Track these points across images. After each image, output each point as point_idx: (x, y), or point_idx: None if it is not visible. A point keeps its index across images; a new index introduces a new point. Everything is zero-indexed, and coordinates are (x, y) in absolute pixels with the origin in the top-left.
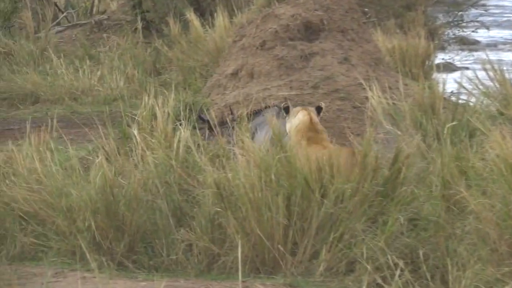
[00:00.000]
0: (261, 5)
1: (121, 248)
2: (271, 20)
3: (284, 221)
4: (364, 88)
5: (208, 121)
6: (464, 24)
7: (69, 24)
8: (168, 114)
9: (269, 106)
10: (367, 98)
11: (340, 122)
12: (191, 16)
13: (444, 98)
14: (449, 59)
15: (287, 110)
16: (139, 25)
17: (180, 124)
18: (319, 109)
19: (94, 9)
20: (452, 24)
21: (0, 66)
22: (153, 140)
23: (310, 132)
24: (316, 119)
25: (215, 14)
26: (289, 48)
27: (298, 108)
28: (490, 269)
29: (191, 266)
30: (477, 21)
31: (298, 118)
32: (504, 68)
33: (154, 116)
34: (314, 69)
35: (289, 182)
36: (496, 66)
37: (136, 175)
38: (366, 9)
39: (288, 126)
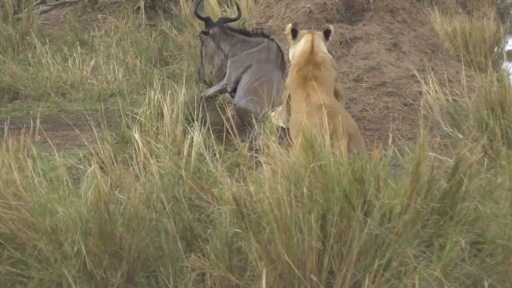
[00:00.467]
0: None
1: (118, 278)
2: None
3: (318, 244)
4: (417, 81)
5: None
6: None
7: (56, 3)
8: (177, 113)
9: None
10: (421, 93)
11: (388, 122)
12: None
13: None
14: None
15: (295, 33)
16: (142, 3)
17: (192, 126)
18: (327, 33)
19: None
20: None
21: None
22: (158, 145)
23: (306, 67)
24: (320, 46)
25: None
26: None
27: (304, 31)
28: None
29: None
30: None
31: (300, 44)
32: None
33: (160, 115)
34: (356, 58)
35: (325, 197)
36: None
37: (137, 188)
38: None
39: (291, 53)
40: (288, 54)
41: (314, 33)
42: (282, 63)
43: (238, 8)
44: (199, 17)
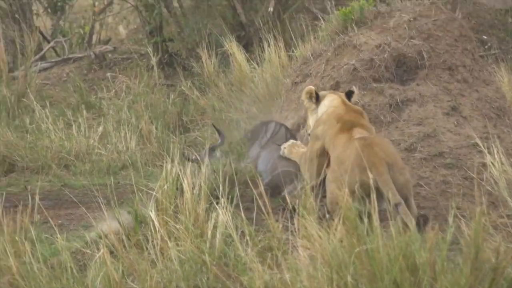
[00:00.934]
0: (333, 31)
1: None
2: (347, 53)
3: None
4: (480, 151)
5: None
6: None
7: (58, 59)
8: (200, 188)
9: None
10: (484, 165)
11: (446, 199)
12: (232, 47)
13: None
14: None
15: (317, 96)
16: (158, 59)
17: (217, 203)
18: (349, 94)
19: (94, 37)
20: None
21: None
22: (178, 226)
23: (348, 114)
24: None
25: (266, 44)
26: (373, 93)
27: (324, 92)
28: None
29: None
30: None
31: (323, 105)
32: None
33: (179, 191)
34: (409, 123)
35: (372, 287)
36: None
37: (154, 276)
38: (484, 37)
39: (312, 120)
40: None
41: (337, 92)
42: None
43: (219, 132)
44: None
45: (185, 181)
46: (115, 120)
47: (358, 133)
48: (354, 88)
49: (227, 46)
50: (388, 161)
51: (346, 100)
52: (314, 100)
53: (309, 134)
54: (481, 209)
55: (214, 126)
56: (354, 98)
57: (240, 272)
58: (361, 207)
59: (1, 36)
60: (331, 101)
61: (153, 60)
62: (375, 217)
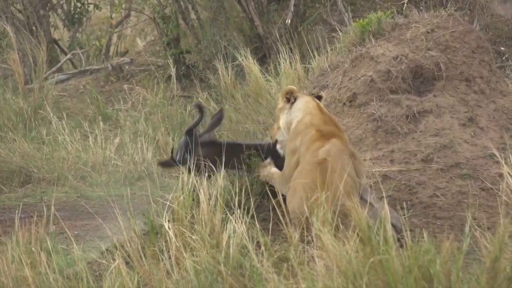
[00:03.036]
0: (350, 42)
1: None
2: (364, 64)
3: None
4: (497, 162)
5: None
6: None
7: (75, 71)
8: (216, 199)
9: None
10: (501, 176)
11: (462, 210)
12: (249, 59)
13: None
14: None
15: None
16: (174, 71)
17: (233, 214)
18: (318, 99)
19: (112, 49)
20: None
21: None
22: (193, 237)
23: (327, 127)
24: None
25: (282, 57)
26: (390, 104)
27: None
28: None
29: None
30: None
31: (297, 108)
32: None
33: (195, 202)
34: (425, 134)
35: None
36: None
37: (169, 286)
38: (502, 48)
39: (285, 119)
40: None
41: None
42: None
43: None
44: None
45: (201, 192)
46: (132, 132)
47: (333, 145)
48: (323, 94)
49: (243, 58)
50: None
51: (320, 104)
52: (291, 100)
53: (275, 141)
54: (505, 220)
55: (197, 105)
56: (321, 103)
57: (256, 283)
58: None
59: (17, 48)
60: (305, 104)
61: (172, 72)
62: (388, 227)
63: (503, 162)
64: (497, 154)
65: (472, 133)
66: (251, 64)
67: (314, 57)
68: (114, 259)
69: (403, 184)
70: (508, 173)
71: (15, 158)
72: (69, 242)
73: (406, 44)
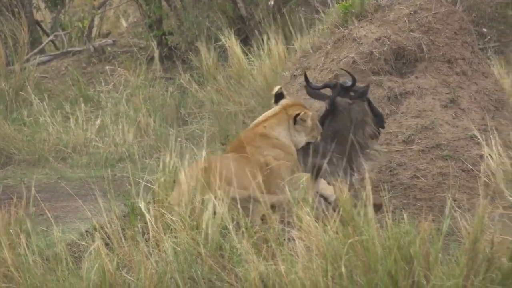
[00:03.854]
0: (333, 24)
1: None
2: (347, 46)
3: None
4: (478, 143)
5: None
6: None
7: (57, 52)
8: (197, 180)
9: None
10: (482, 157)
11: (443, 191)
12: (231, 40)
13: None
14: None
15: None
16: (157, 52)
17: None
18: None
19: (94, 31)
20: None
21: None
22: (173, 218)
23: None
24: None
25: (265, 38)
26: (372, 86)
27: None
28: None
29: None
30: None
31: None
32: None
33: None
34: (407, 116)
35: (367, 278)
36: None
37: (149, 268)
38: (484, 29)
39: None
40: None
41: (286, 107)
42: None
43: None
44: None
45: (182, 174)
46: (113, 113)
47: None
48: (304, 114)
49: (226, 39)
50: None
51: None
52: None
53: None
54: (485, 201)
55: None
56: (301, 122)
57: (235, 264)
58: None
59: None
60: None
61: (156, 53)
62: (370, 208)
63: (484, 143)
64: (478, 135)
65: (453, 115)
66: (234, 45)
67: (297, 38)
68: (93, 241)
69: (384, 165)
70: (489, 154)
71: None
72: (49, 223)
73: (389, 25)
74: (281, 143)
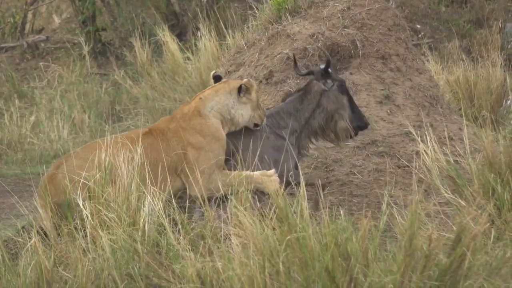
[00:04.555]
0: (267, 20)
1: None
2: (281, 42)
3: None
4: (413, 139)
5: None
6: None
7: None
8: (133, 176)
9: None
10: (417, 153)
11: (379, 187)
12: (166, 36)
13: None
14: None
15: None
16: (91, 49)
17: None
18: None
19: (27, 27)
20: None
21: None
22: (110, 215)
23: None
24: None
25: (199, 34)
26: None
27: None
28: None
29: None
30: None
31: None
32: None
33: (112, 179)
34: None
35: (304, 275)
36: None
37: (85, 264)
38: (418, 26)
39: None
40: None
41: (219, 86)
42: None
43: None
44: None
45: (118, 170)
46: (48, 110)
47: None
48: (248, 82)
49: (161, 35)
50: None
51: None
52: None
53: None
54: (418, 197)
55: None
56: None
57: (173, 260)
58: None
59: None
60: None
61: (85, 50)
62: (305, 205)
63: (419, 139)
64: (413, 131)
65: (388, 111)
66: (169, 41)
67: (230, 35)
68: (30, 238)
69: (320, 162)
70: (424, 150)
71: None
72: None
73: (323, 21)
74: (209, 124)
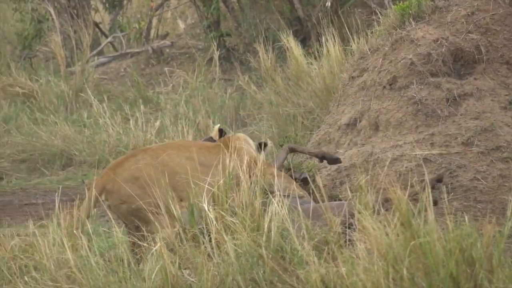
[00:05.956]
0: (390, 25)
1: None
2: (404, 47)
3: None
4: None
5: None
6: None
7: (116, 54)
8: (257, 181)
9: None
10: None
11: (503, 193)
12: (290, 42)
13: None
14: None
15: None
16: (216, 54)
17: (274, 197)
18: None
19: (152, 32)
20: None
21: (17, 113)
22: (234, 220)
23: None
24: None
25: (324, 39)
26: (430, 87)
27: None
28: None
29: None
30: None
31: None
32: None
33: (236, 185)
34: (466, 118)
35: (428, 281)
36: None
37: (210, 269)
38: None
39: None
40: None
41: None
42: None
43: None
44: None
45: (242, 175)
46: (172, 115)
47: None
48: (269, 142)
49: (285, 41)
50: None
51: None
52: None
53: None
54: None
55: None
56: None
57: (297, 266)
58: None
59: (58, 31)
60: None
61: (216, 54)
62: (430, 210)
63: None
64: None
65: None
66: (293, 47)
67: (354, 40)
68: (155, 243)
69: (444, 168)
70: None
71: (57, 141)
72: (110, 225)
73: (447, 27)
74: None
